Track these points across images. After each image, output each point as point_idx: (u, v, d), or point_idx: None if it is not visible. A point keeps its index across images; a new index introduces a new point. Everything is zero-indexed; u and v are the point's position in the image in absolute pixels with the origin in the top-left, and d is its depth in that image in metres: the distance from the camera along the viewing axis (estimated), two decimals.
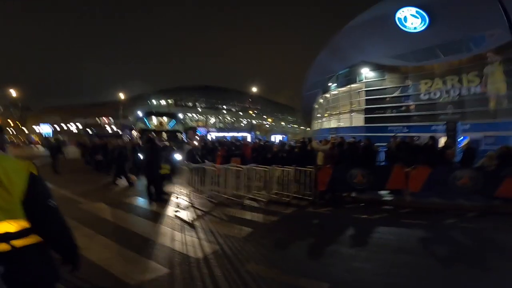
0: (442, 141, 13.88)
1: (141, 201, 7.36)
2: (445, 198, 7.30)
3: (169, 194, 7.90)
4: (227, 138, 29.90)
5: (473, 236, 4.97)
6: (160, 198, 7.40)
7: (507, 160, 7.22)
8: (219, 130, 56.82)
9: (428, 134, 11.67)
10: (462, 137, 18.09)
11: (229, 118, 66.21)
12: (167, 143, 9.84)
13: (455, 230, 5.34)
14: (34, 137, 48.87)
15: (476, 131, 19.34)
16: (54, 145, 13.48)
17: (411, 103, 24.07)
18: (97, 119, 61.41)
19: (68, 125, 59.06)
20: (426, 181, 7.19)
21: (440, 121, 20.90)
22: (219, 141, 14.97)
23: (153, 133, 14.61)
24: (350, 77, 28.88)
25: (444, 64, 21.96)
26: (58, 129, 57.14)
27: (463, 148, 9.41)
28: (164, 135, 14.93)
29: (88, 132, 43.48)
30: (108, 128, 57.20)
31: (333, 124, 32.18)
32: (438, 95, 22.39)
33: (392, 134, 12.62)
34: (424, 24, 20.97)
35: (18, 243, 1.38)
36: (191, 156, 9.73)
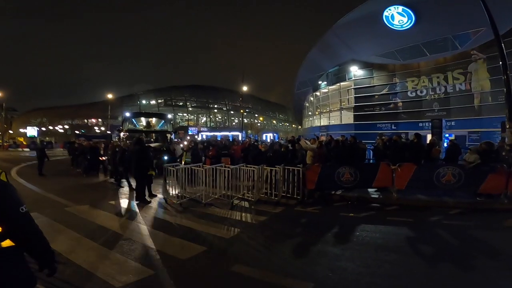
0: (429, 138, 14.15)
1: (128, 203, 7.29)
2: (430, 195, 7.47)
3: (156, 196, 7.86)
4: (218, 137, 29.86)
5: (457, 234, 5.08)
6: (148, 200, 7.37)
7: (489, 155, 7.42)
8: (211, 129, 56.54)
9: (415, 131, 11.90)
10: (448, 134, 18.48)
11: (220, 117, 65.90)
12: (152, 144, 9.84)
13: (439, 227, 5.45)
14: (19, 139, 47.65)
15: (461, 128, 19.80)
16: (39, 147, 13.18)
17: (398, 100, 24.47)
18: (85, 120, 60.27)
19: (56, 126, 57.74)
20: (412, 179, 7.34)
21: (426, 118, 21.33)
22: (208, 141, 14.89)
23: (143, 134, 14.42)
24: (340, 75, 29.18)
25: (429, 62, 22.36)
26: (45, 131, 55.87)
27: (448, 145, 9.63)
28: (153, 135, 14.76)
29: (76, 133, 42.59)
30: (96, 129, 56.19)
31: (323, 122, 32.49)
32: (424, 92, 22.81)
33: (379, 132, 12.83)
34: (410, 22, 21.29)
35: None
36: (196, 154, 9.70)
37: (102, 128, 54.70)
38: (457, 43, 20.61)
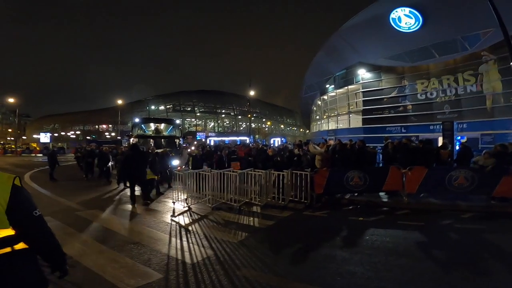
0: (440, 141, 13.91)
1: (138, 208, 7.36)
2: (442, 198, 7.32)
3: (152, 200, 7.93)
4: (226, 142, 29.96)
5: (469, 238, 4.96)
6: (148, 202, 7.60)
7: (503, 158, 7.24)
8: (218, 134, 56.81)
9: (426, 134, 11.74)
10: (460, 137, 18.08)
11: (227, 122, 66.18)
12: (152, 150, 10.04)
13: (451, 231, 5.34)
14: (32, 145, 48.84)
15: (473, 130, 19.34)
16: (50, 153, 13.48)
17: (408, 103, 24.12)
18: (96, 126, 61.40)
19: (68, 132, 59.00)
20: (423, 182, 7.21)
21: (437, 120, 20.94)
22: (217, 146, 15.00)
23: (151, 139, 14.60)
24: (347, 79, 28.98)
25: (439, 63, 21.98)
26: (58, 136, 57.12)
27: (460, 147, 9.44)
28: (162, 141, 14.92)
29: (87, 139, 43.35)
30: (107, 134, 57.16)
31: (331, 126, 32.26)
32: (434, 94, 22.43)
33: (386, 136, 12.66)
34: (418, 24, 21.01)
35: (4, 250, 1.46)
36: (220, 160, 9.73)
37: (113, 134, 55.63)
38: (466, 44, 20.18)
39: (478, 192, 7.06)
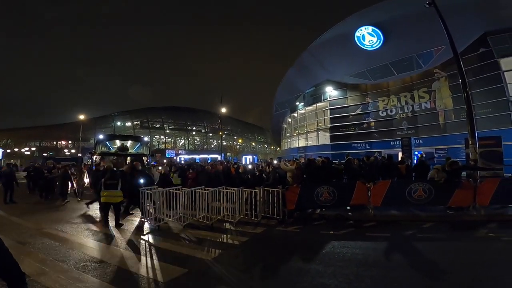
0: (400, 156, 14.80)
1: (103, 226, 6.95)
2: (404, 210, 7.79)
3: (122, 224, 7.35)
4: (197, 160, 29.52)
5: (431, 246, 5.29)
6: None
7: (454, 171, 7.94)
8: (189, 152, 55.71)
9: (387, 150, 12.52)
10: (418, 152, 19.38)
11: (198, 140, 65.27)
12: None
13: (413, 241, 5.65)
14: None
15: (428, 145, 20.74)
16: (6, 172, 12.16)
17: (371, 120, 25.45)
18: (54, 142, 57.40)
19: (22, 149, 54.40)
20: (386, 196, 7.63)
21: (397, 137, 22.24)
22: (188, 164, 14.75)
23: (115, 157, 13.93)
24: (316, 96, 30.06)
25: (397, 81, 23.40)
26: (10, 153, 52.48)
27: (417, 162, 10.14)
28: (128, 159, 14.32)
29: (44, 156, 40.24)
30: (66, 151, 53.57)
31: (301, 143, 33.01)
32: (394, 111, 23.88)
33: (347, 152, 13.24)
34: (379, 42, 22.25)
35: None
36: (205, 179, 9.35)
37: (73, 151, 52.30)
38: (421, 62, 21.61)
39: (436, 203, 7.62)
